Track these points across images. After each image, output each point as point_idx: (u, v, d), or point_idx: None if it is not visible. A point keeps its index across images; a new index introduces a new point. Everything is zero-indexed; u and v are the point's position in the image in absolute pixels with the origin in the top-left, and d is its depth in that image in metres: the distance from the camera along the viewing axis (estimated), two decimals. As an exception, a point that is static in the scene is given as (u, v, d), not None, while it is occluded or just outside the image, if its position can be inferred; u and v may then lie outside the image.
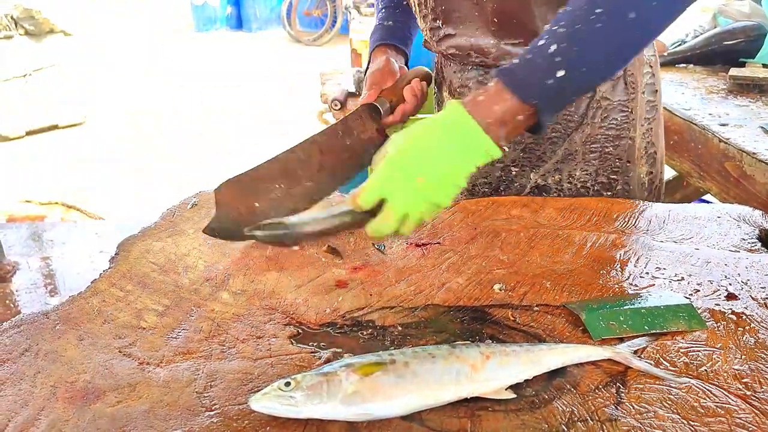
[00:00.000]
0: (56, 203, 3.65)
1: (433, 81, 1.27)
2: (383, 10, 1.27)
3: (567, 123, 1.09)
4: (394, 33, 1.24)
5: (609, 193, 1.12)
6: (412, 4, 1.16)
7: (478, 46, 1.09)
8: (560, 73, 0.77)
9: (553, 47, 0.77)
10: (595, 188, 1.12)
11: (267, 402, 0.61)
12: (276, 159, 1.01)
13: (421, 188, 0.76)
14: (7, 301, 1.46)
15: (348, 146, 1.08)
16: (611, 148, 1.10)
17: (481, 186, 1.20)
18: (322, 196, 1.04)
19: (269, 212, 0.96)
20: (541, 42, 0.78)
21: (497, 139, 0.78)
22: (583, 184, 1.12)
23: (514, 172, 1.15)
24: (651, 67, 1.12)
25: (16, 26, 5.04)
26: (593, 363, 0.69)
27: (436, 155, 0.77)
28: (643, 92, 1.11)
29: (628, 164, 1.11)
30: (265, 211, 0.96)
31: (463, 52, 1.11)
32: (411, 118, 1.14)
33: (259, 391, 0.62)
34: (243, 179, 0.98)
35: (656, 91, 1.14)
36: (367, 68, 1.23)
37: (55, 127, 5.33)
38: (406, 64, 1.24)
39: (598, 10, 0.76)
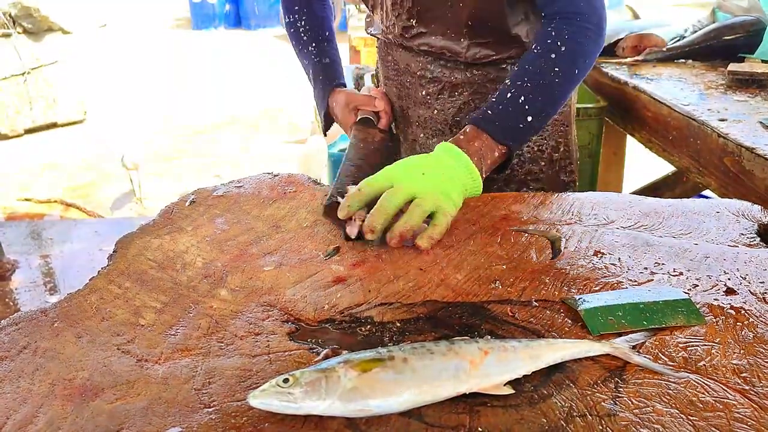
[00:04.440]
0: (55, 201, 3.65)
1: (379, 62, 1.41)
2: (314, 45, 1.36)
3: None
4: (337, 71, 1.37)
5: (557, 155, 1.31)
6: (384, 5, 1.24)
7: (449, 46, 1.19)
8: (529, 119, 1.02)
9: (522, 98, 1.01)
10: (548, 150, 1.30)
11: (265, 398, 0.61)
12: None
13: (426, 176, 0.92)
14: (7, 299, 1.47)
15: (367, 154, 1.22)
16: (557, 115, 1.27)
17: None
18: None
19: None
20: (509, 94, 1.02)
21: (478, 168, 0.98)
22: (539, 147, 1.29)
23: None
24: None
25: (14, 24, 5.04)
26: (592, 358, 0.69)
27: (434, 163, 0.95)
28: None
29: (567, 128, 1.31)
30: None
31: (434, 50, 1.21)
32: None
33: (257, 387, 0.62)
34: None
35: None
36: (327, 109, 1.35)
37: (54, 125, 5.33)
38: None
39: (556, 69, 1.02)
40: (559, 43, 1.02)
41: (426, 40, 1.20)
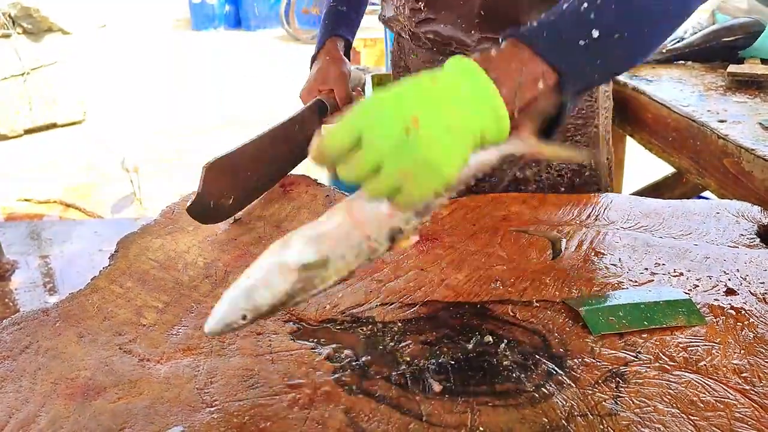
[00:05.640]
0: (55, 202, 3.65)
1: (392, 63, 1.33)
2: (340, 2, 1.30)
3: None
4: (346, 21, 1.30)
5: (579, 180, 1.17)
6: None
7: (458, 37, 1.09)
8: (595, 33, 0.65)
9: (585, 4, 0.65)
10: (568, 175, 1.17)
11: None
12: (247, 145, 1.04)
13: (412, 136, 0.56)
14: (6, 300, 1.46)
15: (296, 140, 1.13)
16: (579, 137, 1.16)
17: None
18: (268, 187, 1.11)
19: (239, 198, 1.02)
20: (567, 4, 0.67)
21: (510, 102, 0.62)
22: (558, 172, 1.17)
23: None
24: None
25: (14, 25, 5.04)
26: (593, 357, 0.69)
27: (440, 96, 0.59)
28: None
29: (593, 151, 1.17)
30: (237, 196, 1.01)
31: (442, 39, 1.12)
32: None
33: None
34: (226, 162, 0.99)
35: (610, 82, 1.22)
36: (316, 55, 1.27)
37: (54, 125, 5.32)
38: (348, 51, 1.30)
39: None
40: None
41: (434, 27, 1.11)
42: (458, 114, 0.59)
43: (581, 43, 0.65)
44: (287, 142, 1.11)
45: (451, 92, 0.60)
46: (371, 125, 0.57)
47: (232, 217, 1.02)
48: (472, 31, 1.08)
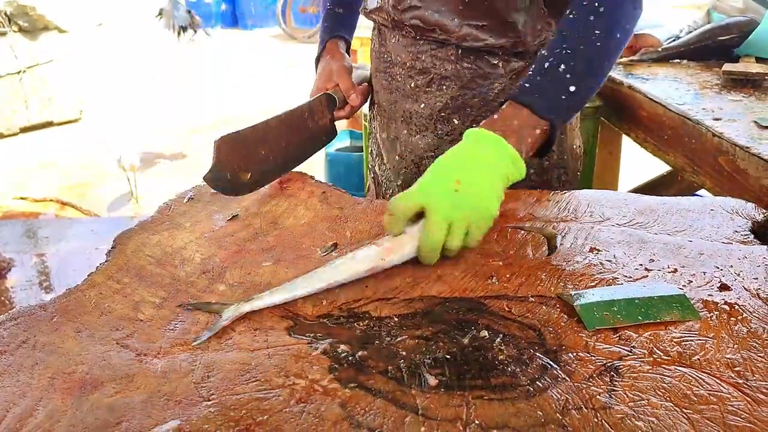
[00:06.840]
0: (51, 200, 3.64)
1: (372, 53, 1.38)
2: (337, 4, 1.39)
3: None
4: (344, 22, 1.40)
5: (548, 162, 1.25)
6: None
7: (443, 23, 1.15)
8: (572, 89, 0.93)
9: (562, 66, 0.92)
10: (537, 158, 1.25)
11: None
12: (258, 125, 1.10)
13: (460, 191, 0.84)
14: (2, 298, 1.46)
15: (308, 128, 1.20)
16: None
17: None
18: (286, 170, 1.16)
19: (256, 175, 1.09)
20: (547, 63, 0.93)
21: (518, 148, 0.89)
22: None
23: None
24: None
25: (10, 23, 5.03)
26: (587, 352, 0.69)
27: (469, 160, 0.88)
28: None
29: (562, 136, 1.25)
30: (254, 173, 1.08)
31: (427, 26, 1.17)
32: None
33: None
34: (238, 137, 1.06)
35: None
36: (319, 57, 1.37)
37: (50, 124, 5.32)
38: (348, 50, 1.39)
39: (597, 32, 0.93)
40: (597, 4, 0.94)
41: (418, 13, 1.16)
42: (485, 166, 0.87)
43: (563, 97, 0.93)
44: (299, 130, 1.17)
45: (475, 154, 0.88)
46: (429, 195, 0.85)
47: (231, 214, 1.02)
48: (455, 18, 1.14)
